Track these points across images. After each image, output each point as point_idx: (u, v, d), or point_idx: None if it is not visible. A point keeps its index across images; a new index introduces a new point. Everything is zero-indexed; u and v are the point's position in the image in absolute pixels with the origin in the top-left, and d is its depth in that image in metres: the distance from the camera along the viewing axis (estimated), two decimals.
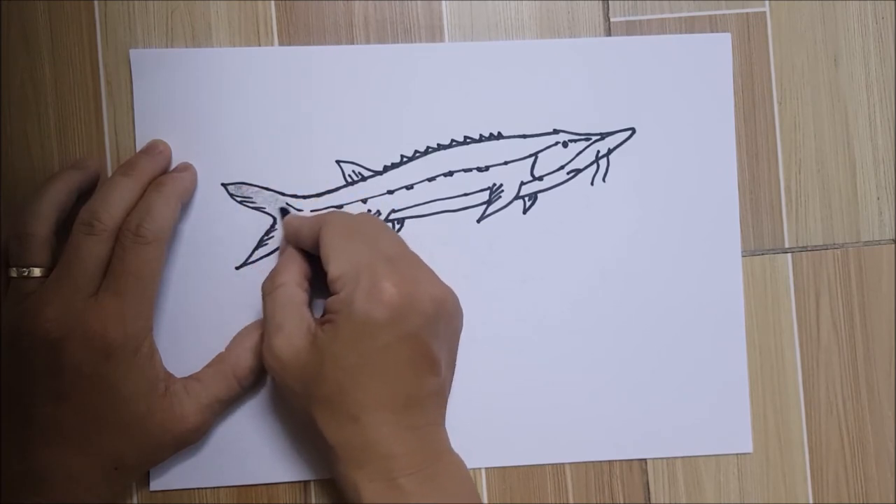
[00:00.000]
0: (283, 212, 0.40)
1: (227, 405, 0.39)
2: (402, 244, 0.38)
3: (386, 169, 0.41)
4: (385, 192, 0.41)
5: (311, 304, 0.38)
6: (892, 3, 0.43)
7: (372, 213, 0.41)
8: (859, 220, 0.43)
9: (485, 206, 0.42)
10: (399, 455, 0.34)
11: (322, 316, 0.36)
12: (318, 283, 0.38)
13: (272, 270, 0.38)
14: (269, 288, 0.37)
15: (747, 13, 0.43)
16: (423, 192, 0.41)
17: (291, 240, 0.39)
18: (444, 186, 0.41)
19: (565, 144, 0.42)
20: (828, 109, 0.43)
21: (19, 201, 0.40)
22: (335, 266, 0.35)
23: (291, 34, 0.41)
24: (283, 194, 0.41)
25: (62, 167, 0.40)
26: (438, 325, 0.36)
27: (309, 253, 0.38)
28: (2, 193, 0.40)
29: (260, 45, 0.41)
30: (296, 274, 0.37)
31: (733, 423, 0.42)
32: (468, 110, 0.41)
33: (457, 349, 0.38)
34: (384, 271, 0.35)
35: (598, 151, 0.42)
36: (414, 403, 0.35)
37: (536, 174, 0.42)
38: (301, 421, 0.37)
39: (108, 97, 0.41)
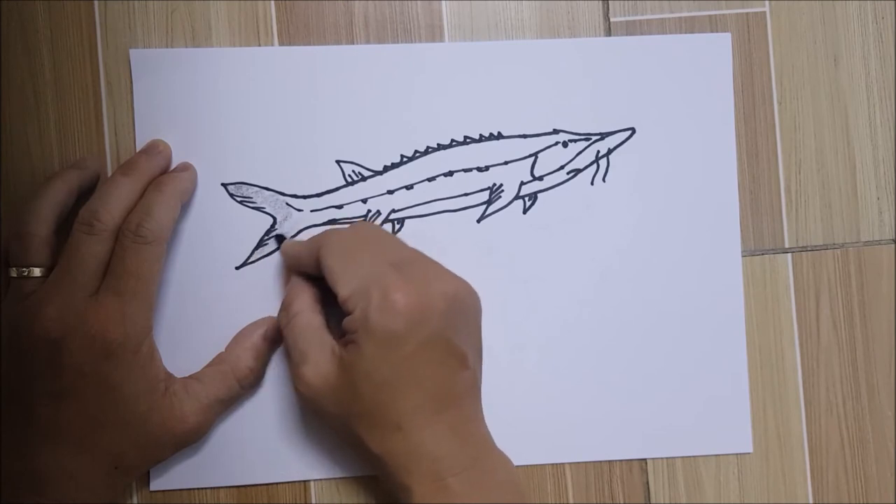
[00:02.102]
0: (280, 239, 0.40)
1: (227, 405, 0.39)
2: (403, 245, 0.38)
3: (386, 169, 0.41)
4: (385, 192, 0.41)
5: (328, 325, 0.38)
6: (893, 3, 0.43)
7: (372, 212, 0.41)
8: (859, 220, 0.43)
9: (485, 206, 0.42)
10: (445, 456, 0.34)
11: (343, 337, 0.36)
12: (329, 301, 0.38)
13: (284, 301, 0.38)
14: (286, 319, 0.37)
15: (747, 13, 0.43)
16: (423, 192, 0.41)
17: (293, 267, 0.39)
18: (444, 186, 0.41)
19: (565, 144, 0.42)
20: (828, 109, 0.43)
21: (19, 201, 0.40)
22: (343, 287, 0.35)
23: (291, 34, 0.41)
24: (283, 194, 0.41)
25: (62, 167, 0.40)
26: (456, 319, 0.36)
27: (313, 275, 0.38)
28: (2, 193, 0.40)
29: (260, 45, 0.41)
30: (308, 300, 0.38)
31: (733, 423, 0.42)
32: (468, 110, 0.41)
33: (480, 334, 0.38)
34: (392, 281, 0.35)
35: (598, 151, 0.42)
36: (451, 401, 0.35)
37: (536, 174, 0.42)
38: (343, 437, 0.37)
39: (108, 97, 0.41)
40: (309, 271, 0.38)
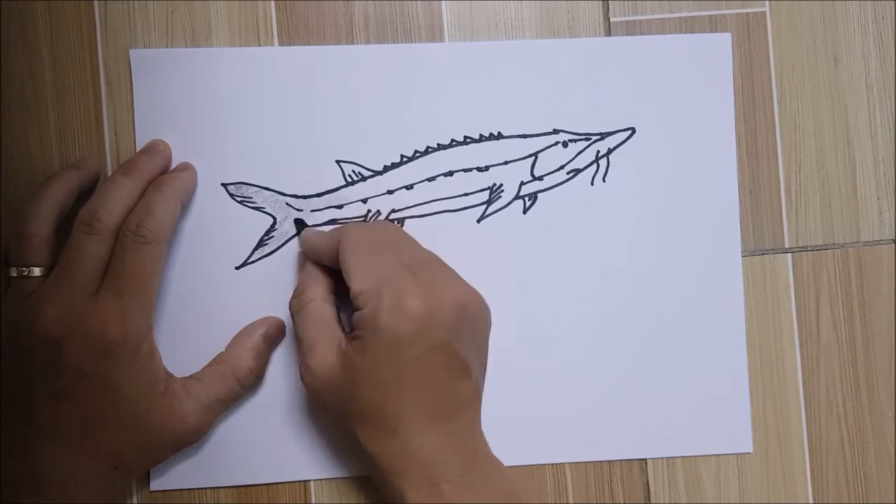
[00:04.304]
0: (300, 224, 0.40)
1: (227, 405, 0.39)
2: (421, 250, 0.38)
3: (386, 169, 0.41)
4: (385, 192, 0.41)
5: (338, 317, 0.38)
6: (893, 3, 0.43)
7: (372, 212, 0.41)
8: (859, 220, 0.43)
9: (485, 206, 0.42)
10: (439, 462, 0.34)
11: (350, 331, 0.36)
12: (341, 293, 0.38)
13: (297, 288, 0.38)
14: (298, 306, 0.37)
15: (747, 13, 0.43)
16: (423, 192, 0.41)
17: (310, 255, 0.39)
18: (444, 186, 0.41)
19: (565, 144, 0.42)
20: (828, 109, 0.43)
21: (19, 201, 0.40)
22: (357, 282, 0.35)
23: (291, 34, 0.41)
24: (283, 194, 0.41)
25: (62, 167, 0.40)
26: (464, 329, 0.36)
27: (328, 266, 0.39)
28: (2, 193, 0.40)
29: (260, 45, 0.41)
30: (321, 290, 0.38)
31: (733, 423, 0.42)
32: (468, 110, 0.41)
33: (486, 348, 0.38)
34: (406, 284, 0.35)
35: (598, 151, 0.42)
36: (450, 410, 0.35)
37: (536, 174, 0.42)
38: (342, 433, 0.38)
39: (108, 97, 0.41)
40: (325, 262, 0.38)
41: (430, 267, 0.37)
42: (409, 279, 0.35)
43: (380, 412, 0.35)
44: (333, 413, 0.36)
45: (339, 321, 0.38)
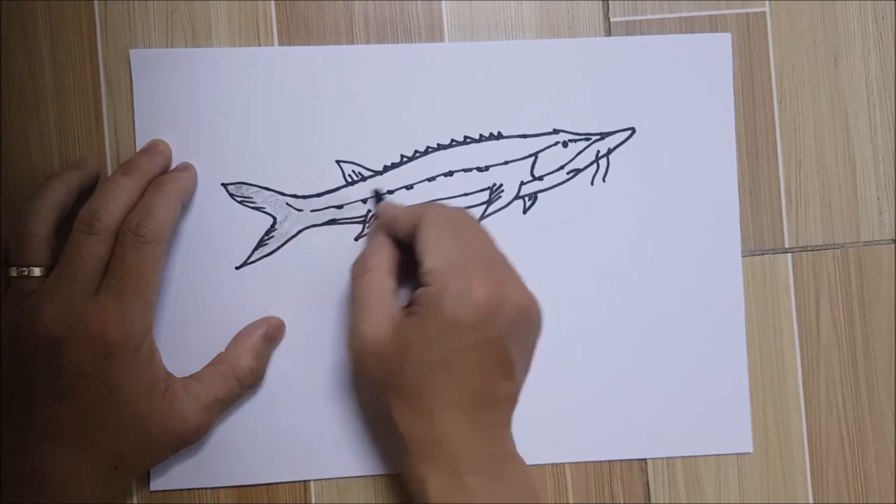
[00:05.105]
0: (378, 195, 0.40)
1: (227, 405, 0.39)
2: (495, 245, 0.38)
3: (386, 169, 0.41)
4: (385, 192, 0.41)
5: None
6: (893, 3, 0.43)
7: (372, 213, 0.41)
8: (859, 220, 0.43)
9: (485, 206, 0.42)
10: (467, 454, 0.34)
11: (408, 306, 0.36)
12: (403, 271, 0.38)
13: (362, 253, 0.38)
14: (360, 270, 0.37)
15: (747, 13, 0.43)
16: (423, 192, 0.41)
17: (387, 226, 0.39)
18: (444, 186, 0.41)
19: (565, 144, 0.42)
20: (828, 109, 0.43)
21: (19, 201, 0.40)
22: (430, 259, 0.35)
23: (291, 34, 0.41)
24: (283, 194, 0.41)
25: (62, 167, 0.40)
26: (520, 331, 0.36)
27: (398, 241, 0.38)
28: (2, 193, 0.40)
29: (260, 45, 0.41)
30: (387, 260, 0.38)
31: (733, 423, 0.42)
32: (468, 110, 0.41)
33: (532, 356, 0.38)
34: (477, 272, 0.35)
35: (598, 151, 0.42)
36: (487, 405, 0.35)
37: (536, 174, 0.42)
38: (374, 408, 0.37)
39: (108, 97, 0.41)
40: (400, 236, 0.38)
41: (501, 264, 0.37)
42: (481, 268, 0.35)
43: (420, 391, 0.35)
44: (372, 384, 0.36)
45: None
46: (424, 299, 0.35)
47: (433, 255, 0.35)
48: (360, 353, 0.36)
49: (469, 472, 0.34)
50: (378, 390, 0.36)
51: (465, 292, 0.34)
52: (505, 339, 0.35)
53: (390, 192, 0.41)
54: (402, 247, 0.38)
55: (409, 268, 0.37)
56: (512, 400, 0.37)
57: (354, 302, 0.37)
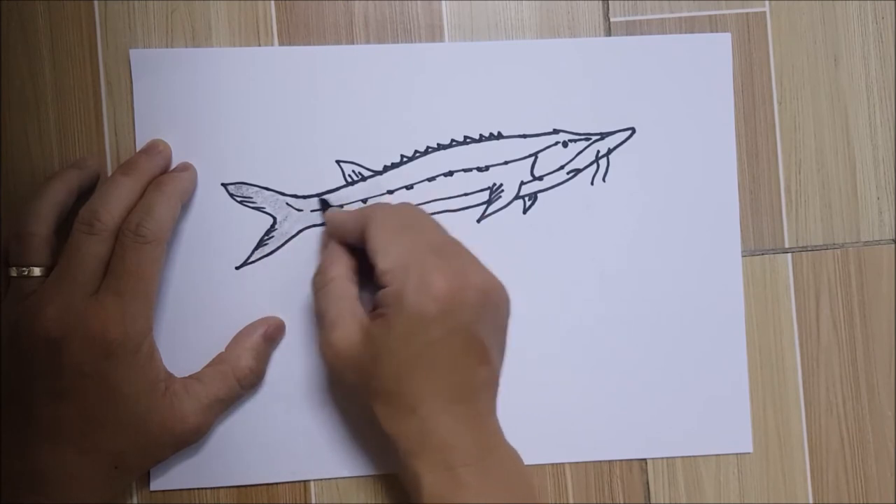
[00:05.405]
0: (324, 204, 0.40)
1: (227, 405, 0.39)
2: (446, 233, 0.38)
3: (386, 169, 0.41)
4: (385, 192, 0.41)
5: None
6: (893, 3, 0.43)
7: None
8: (859, 220, 0.43)
9: (485, 206, 0.42)
10: (456, 446, 0.35)
11: (373, 310, 0.36)
12: (362, 273, 0.38)
13: (320, 265, 0.38)
14: (321, 283, 0.37)
15: (747, 13, 0.43)
16: (423, 192, 0.41)
17: (335, 234, 0.39)
18: (444, 186, 0.41)
19: (565, 144, 0.42)
20: (828, 109, 0.43)
21: (19, 201, 0.40)
22: (384, 260, 0.36)
23: (291, 34, 0.41)
24: (283, 194, 0.41)
25: (62, 167, 0.40)
26: (486, 315, 0.36)
27: (350, 245, 0.39)
28: (2, 193, 0.40)
29: (260, 45, 0.41)
30: (344, 268, 0.38)
31: (733, 423, 0.42)
32: (468, 110, 0.41)
33: (506, 337, 0.38)
34: (432, 264, 0.35)
35: (598, 151, 0.42)
36: (468, 394, 0.35)
37: (536, 174, 0.42)
38: (360, 412, 0.38)
39: (108, 97, 0.41)
40: (349, 241, 0.38)
41: (455, 251, 0.37)
42: (436, 259, 0.35)
43: (399, 390, 0.35)
44: (351, 390, 0.36)
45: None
46: (387, 300, 0.35)
47: (386, 256, 0.36)
48: (334, 363, 0.36)
49: (460, 463, 0.34)
50: (359, 396, 0.36)
51: (424, 285, 0.34)
52: (473, 325, 0.35)
53: (390, 192, 0.41)
54: (358, 251, 0.38)
55: (367, 271, 0.37)
56: (492, 385, 0.37)
57: (320, 315, 0.37)
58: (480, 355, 0.36)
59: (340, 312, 0.36)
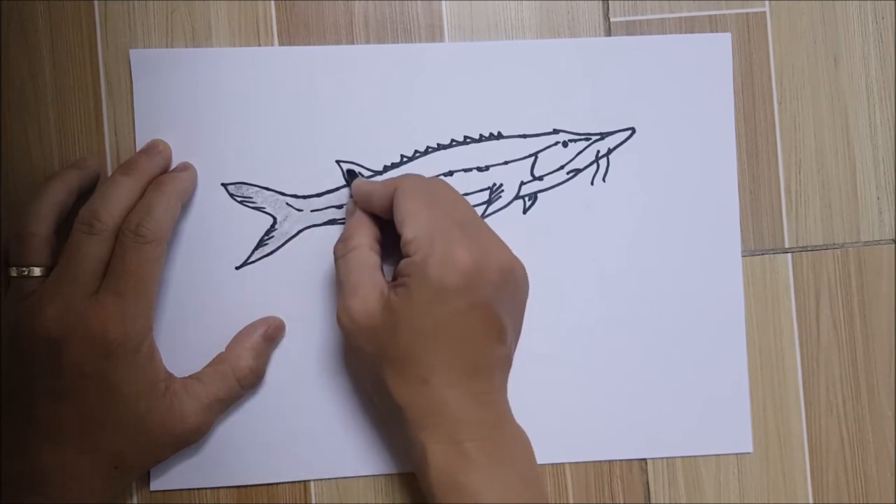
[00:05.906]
0: (351, 174, 0.40)
1: (227, 405, 0.39)
2: (473, 211, 0.38)
3: (386, 169, 0.41)
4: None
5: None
6: (893, 3, 0.43)
7: None
8: (859, 220, 0.43)
9: (485, 206, 0.42)
10: (465, 420, 0.35)
11: (394, 279, 0.36)
12: (385, 244, 0.38)
13: (343, 233, 0.38)
14: (343, 250, 0.37)
15: (747, 13, 0.43)
16: None
17: (362, 203, 0.39)
18: None
19: (565, 144, 0.42)
20: (828, 109, 0.43)
21: (19, 201, 0.40)
22: (410, 229, 0.36)
23: (291, 34, 0.41)
24: (283, 194, 0.41)
25: (62, 167, 0.40)
26: (506, 294, 0.36)
27: (375, 216, 0.39)
28: (2, 193, 0.40)
29: (260, 45, 0.41)
30: (367, 237, 0.38)
31: (733, 423, 0.42)
32: (468, 110, 0.41)
33: (522, 318, 0.39)
34: (457, 237, 0.35)
35: (598, 151, 0.42)
36: (481, 370, 0.36)
37: (536, 174, 0.42)
38: (370, 382, 0.37)
39: (108, 97, 0.41)
40: (376, 211, 0.38)
41: (480, 228, 0.37)
42: (461, 233, 0.35)
43: (414, 360, 0.35)
44: (365, 357, 0.36)
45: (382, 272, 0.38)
46: (409, 269, 0.35)
47: (413, 225, 0.36)
48: (351, 329, 0.36)
49: (468, 437, 0.34)
50: (372, 364, 0.36)
51: (448, 257, 0.34)
52: (492, 302, 0.35)
53: None
54: (382, 223, 0.38)
55: (390, 244, 0.38)
56: (505, 364, 0.37)
57: (340, 281, 0.37)
58: (498, 333, 0.36)
59: (361, 279, 0.36)
